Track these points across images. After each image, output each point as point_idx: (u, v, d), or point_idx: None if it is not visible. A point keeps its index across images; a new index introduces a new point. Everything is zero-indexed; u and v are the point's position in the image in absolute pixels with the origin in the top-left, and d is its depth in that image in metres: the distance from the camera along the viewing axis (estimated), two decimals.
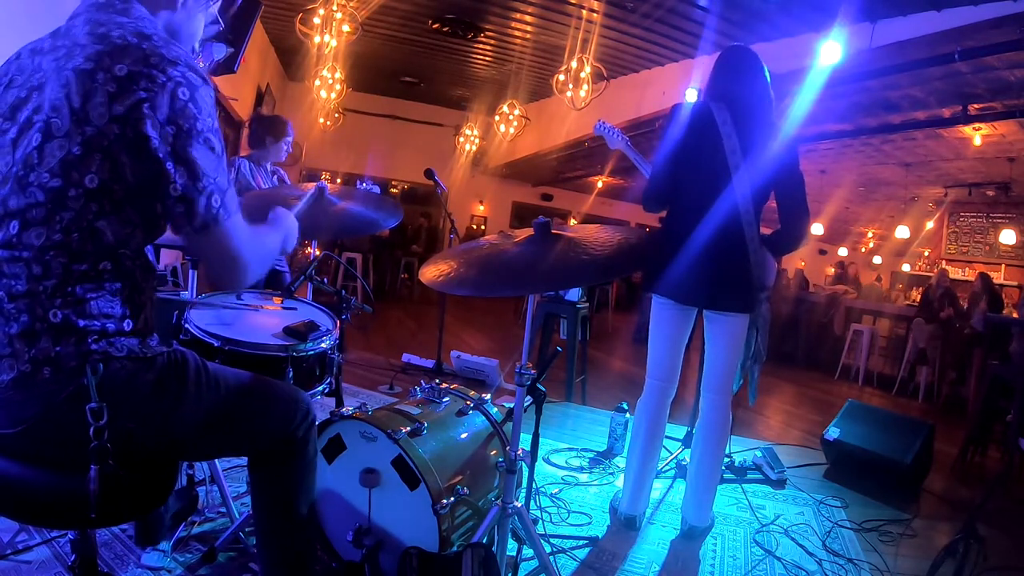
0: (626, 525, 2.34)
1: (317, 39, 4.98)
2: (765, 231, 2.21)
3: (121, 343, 1.06)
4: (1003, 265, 9.48)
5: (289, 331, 1.70)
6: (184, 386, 1.14)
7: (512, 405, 1.71)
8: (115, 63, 1.00)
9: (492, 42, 6.91)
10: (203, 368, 1.19)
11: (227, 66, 4.41)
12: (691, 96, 5.15)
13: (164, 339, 1.17)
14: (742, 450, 3.22)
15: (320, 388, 1.78)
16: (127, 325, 1.07)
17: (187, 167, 1.04)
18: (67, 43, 1.05)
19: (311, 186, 1.95)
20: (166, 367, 1.12)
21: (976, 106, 5.35)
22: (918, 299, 8.11)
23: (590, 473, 2.87)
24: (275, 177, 3.47)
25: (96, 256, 1.03)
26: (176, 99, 1.02)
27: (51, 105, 1.00)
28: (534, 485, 2.24)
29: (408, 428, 1.68)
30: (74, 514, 1.04)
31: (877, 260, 12.52)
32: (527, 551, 1.88)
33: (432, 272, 1.55)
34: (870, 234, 13.37)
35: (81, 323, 1.02)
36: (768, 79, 2.17)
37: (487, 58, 7.61)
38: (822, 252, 14.58)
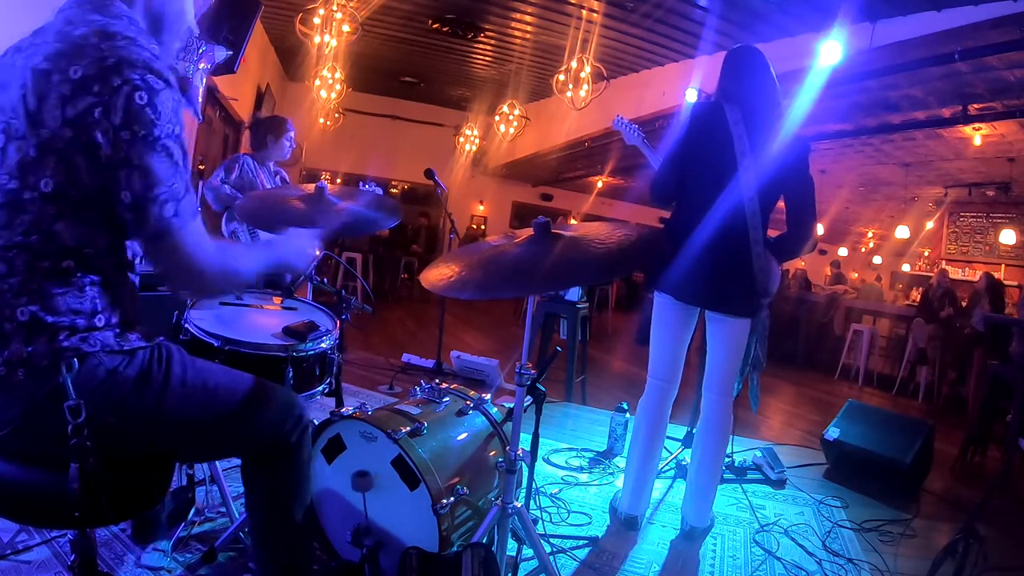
0: (626, 525, 2.34)
1: (317, 39, 4.99)
2: (771, 234, 2.20)
3: (94, 338, 1.04)
4: (1003, 265, 9.47)
5: (289, 331, 1.70)
6: (168, 381, 1.12)
7: (512, 405, 1.71)
8: (70, 64, 0.97)
9: (492, 42, 6.91)
10: (190, 365, 1.17)
11: (227, 66, 4.40)
12: (691, 96, 5.15)
13: (152, 336, 1.16)
14: (742, 450, 3.22)
15: (320, 388, 1.78)
16: (99, 320, 1.06)
17: (140, 174, 0.99)
18: (39, 41, 1.03)
19: (311, 187, 1.95)
20: (148, 361, 1.11)
21: (976, 106, 5.35)
22: (918, 299, 8.11)
23: (590, 473, 2.87)
24: (277, 178, 3.48)
25: (57, 256, 1.02)
26: (132, 103, 0.97)
27: (11, 106, 0.99)
28: (534, 485, 2.24)
29: (408, 428, 1.68)
30: (65, 513, 1.04)
31: (877, 260, 12.52)
32: (527, 551, 1.88)
33: (434, 276, 1.55)
34: (870, 234, 13.37)
35: (49, 319, 1.01)
36: (775, 79, 2.16)
37: (487, 58, 7.61)
38: (822, 252, 14.59)
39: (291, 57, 7.95)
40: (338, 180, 10.63)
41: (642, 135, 2.82)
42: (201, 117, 4.24)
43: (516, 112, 7.36)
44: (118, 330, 1.09)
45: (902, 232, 10.11)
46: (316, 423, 1.67)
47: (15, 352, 1.00)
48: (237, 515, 1.87)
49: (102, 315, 1.06)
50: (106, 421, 1.04)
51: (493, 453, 1.91)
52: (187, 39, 1.26)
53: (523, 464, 1.74)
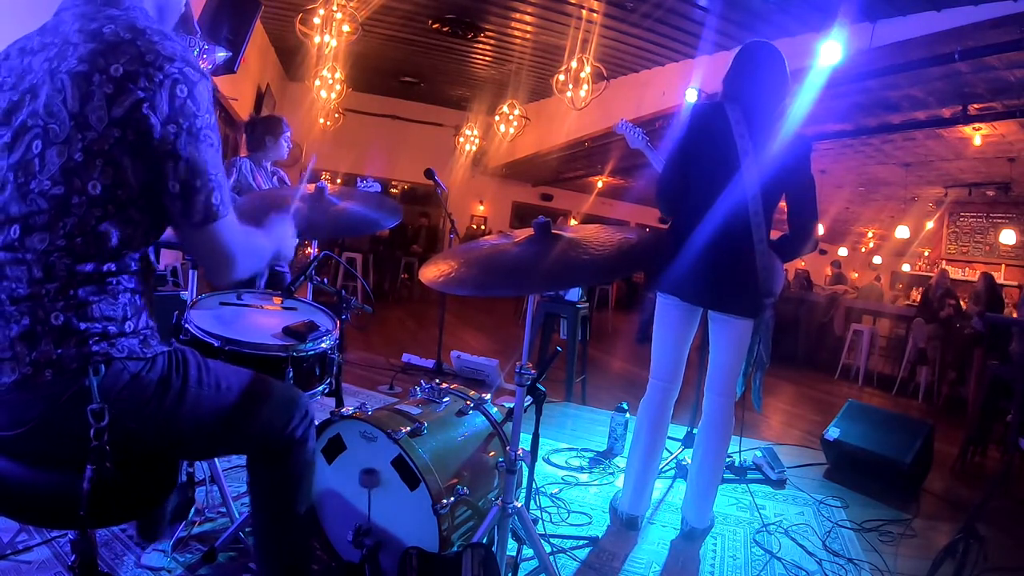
0: (627, 525, 2.34)
1: (317, 39, 4.99)
2: (774, 235, 2.20)
3: (122, 344, 1.05)
4: (1003, 265, 9.48)
5: (289, 331, 1.69)
6: (186, 385, 1.13)
7: (512, 405, 1.71)
8: (110, 63, 0.98)
9: (492, 42, 6.91)
10: (204, 367, 1.19)
11: (227, 66, 4.41)
12: (691, 96, 5.16)
13: (164, 338, 1.17)
14: (743, 450, 3.22)
15: (320, 388, 1.78)
16: (128, 327, 1.07)
17: (187, 165, 1.03)
18: (57, 41, 1.02)
19: (311, 186, 1.95)
20: (167, 367, 1.12)
21: (976, 106, 5.35)
22: (918, 299, 8.11)
23: (590, 473, 2.87)
24: (275, 178, 3.47)
25: (100, 258, 1.02)
26: (175, 97, 1.00)
27: (47, 110, 0.99)
28: (534, 485, 2.24)
29: (408, 428, 1.68)
30: (71, 513, 1.04)
31: (877, 260, 12.52)
32: (527, 551, 1.88)
33: (432, 272, 1.55)
34: (870, 234, 13.37)
35: (82, 326, 1.01)
36: (787, 75, 2.15)
37: (487, 58, 7.61)
38: (822, 252, 14.60)
39: (291, 57, 7.95)
40: (338, 180, 10.63)
41: (646, 138, 2.82)
42: None
43: (516, 112, 7.36)
44: (143, 336, 1.10)
45: (902, 232, 10.12)
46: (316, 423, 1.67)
47: (44, 353, 1.00)
48: (237, 515, 1.87)
49: (131, 321, 1.08)
50: (125, 425, 1.05)
51: (493, 453, 1.91)
52: (177, 31, 1.26)
53: (523, 464, 1.74)
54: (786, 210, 2.20)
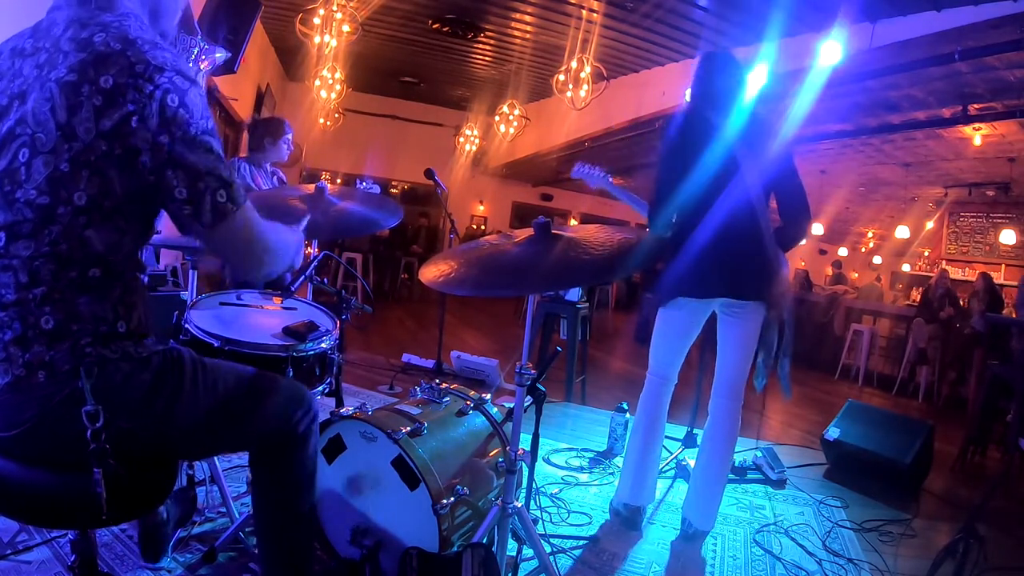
0: (629, 518, 2.34)
1: (317, 39, 4.99)
2: None
3: (115, 345, 1.05)
4: (1003, 265, 9.47)
5: (288, 331, 1.69)
6: (180, 385, 1.13)
7: (512, 405, 1.71)
8: (100, 74, 0.97)
9: (492, 42, 6.91)
10: (200, 366, 1.18)
11: (227, 67, 4.40)
12: (690, 96, 5.15)
13: (162, 338, 1.16)
14: (742, 450, 3.22)
15: (320, 388, 1.78)
16: (120, 327, 1.06)
17: (186, 171, 1.02)
18: (49, 47, 1.02)
19: (311, 187, 1.95)
20: (161, 367, 1.12)
21: (976, 106, 5.35)
22: (918, 299, 8.11)
23: (590, 473, 2.87)
24: (275, 178, 3.47)
25: (85, 263, 1.02)
26: (166, 107, 0.99)
27: (35, 119, 0.98)
28: (534, 485, 2.24)
29: (408, 428, 1.68)
30: (73, 514, 1.05)
31: (877, 260, 12.52)
32: (527, 551, 1.88)
33: (432, 272, 1.55)
34: (870, 234, 13.36)
35: (73, 327, 1.01)
36: (742, 73, 2.27)
37: (487, 58, 7.61)
38: (822, 252, 14.59)
39: (291, 57, 7.95)
40: (338, 180, 10.62)
41: (607, 177, 2.78)
42: None
43: (516, 112, 7.36)
44: (136, 336, 1.09)
45: (902, 232, 10.12)
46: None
47: (37, 355, 1.00)
48: (237, 515, 1.87)
49: (123, 321, 1.07)
50: (120, 426, 1.04)
51: (493, 453, 1.91)
52: (177, 32, 1.26)
53: (523, 464, 1.74)
54: (778, 209, 2.24)
